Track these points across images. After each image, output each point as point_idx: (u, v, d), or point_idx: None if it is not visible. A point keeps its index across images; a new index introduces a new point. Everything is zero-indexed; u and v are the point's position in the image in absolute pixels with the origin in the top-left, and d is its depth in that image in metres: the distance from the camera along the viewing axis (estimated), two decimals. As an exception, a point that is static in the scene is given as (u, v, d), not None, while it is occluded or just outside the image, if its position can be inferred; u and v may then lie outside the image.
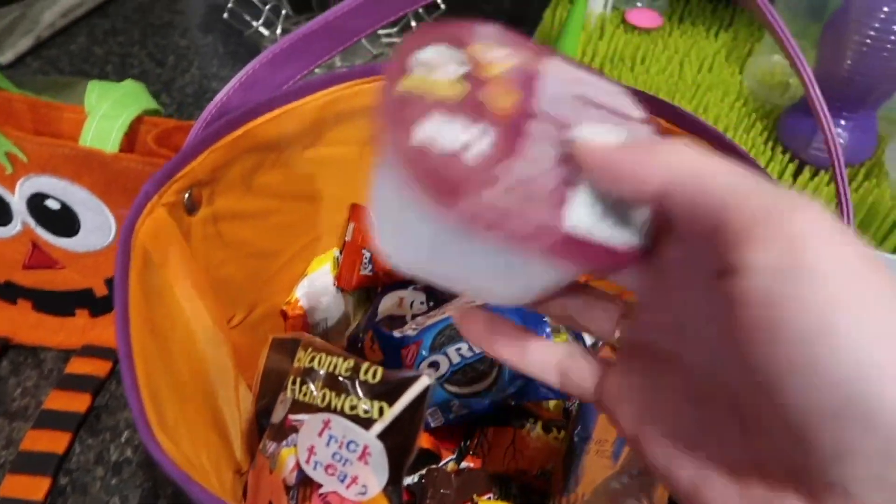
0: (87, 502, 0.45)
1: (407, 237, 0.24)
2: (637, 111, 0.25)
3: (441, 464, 0.41)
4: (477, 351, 0.41)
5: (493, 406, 0.41)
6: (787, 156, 0.65)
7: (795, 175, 0.64)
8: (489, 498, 0.38)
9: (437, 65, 0.24)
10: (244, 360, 0.44)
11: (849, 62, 0.58)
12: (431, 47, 0.24)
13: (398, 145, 0.22)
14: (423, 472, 0.39)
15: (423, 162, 0.22)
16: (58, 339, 0.52)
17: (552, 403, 0.44)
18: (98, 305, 0.52)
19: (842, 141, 0.61)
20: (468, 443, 0.41)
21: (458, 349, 0.41)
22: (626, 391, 0.24)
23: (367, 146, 0.46)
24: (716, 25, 0.80)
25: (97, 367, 0.50)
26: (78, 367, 0.50)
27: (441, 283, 0.25)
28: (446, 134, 0.22)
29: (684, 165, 0.20)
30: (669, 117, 0.41)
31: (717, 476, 0.21)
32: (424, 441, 0.41)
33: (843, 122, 0.61)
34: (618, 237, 0.23)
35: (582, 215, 0.23)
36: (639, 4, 0.80)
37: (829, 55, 0.60)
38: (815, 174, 0.63)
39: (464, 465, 0.41)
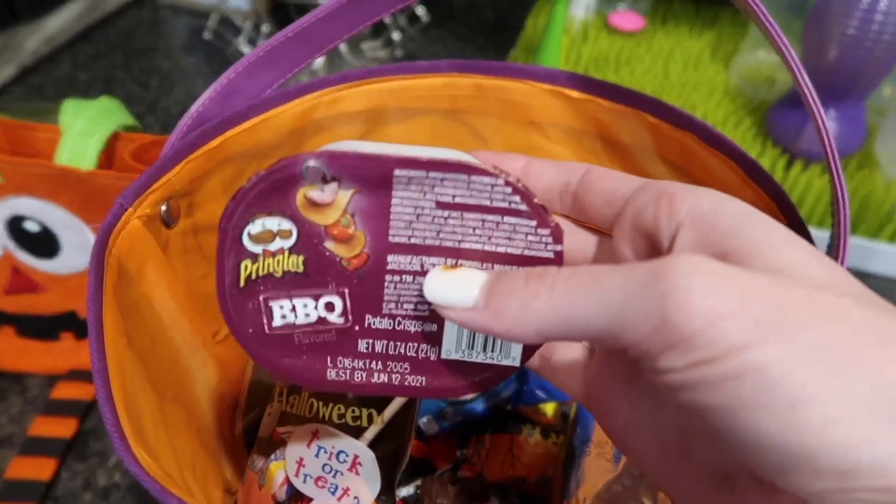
0: (75, 530, 0.44)
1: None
2: (510, 185, 0.22)
3: (437, 474, 0.39)
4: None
5: (488, 412, 0.40)
6: (778, 150, 0.64)
7: (787, 168, 0.63)
8: (487, 507, 0.37)
9: (267, 237, 0.23)
10: (230, 375, 0.43)
11: (833, 54, 0.58)
12: (258, 219, 0.23)
13: (251, 340, 0.24)
14: (419, 482, 0.37)
15: (279, 354, 0.24)
16: (44, 364, 0.51)
17: (549, 408, 0.43)
18: (83, 328, 0.50)
19: (832, 133, 0.61)
20: (465, 451, 0.40)
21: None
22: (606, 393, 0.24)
23: (350, 153, 0.45)
24: (699, 24, 0.80)
25: (84, 391, 0.49)
26: (64, 391, 0.49)
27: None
28: (300, 310, 0.23)
29: (550, 318, 0.19)
30: (654, 112, 0.40)
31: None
32: (419, 451, 0.40)
33: (829, 113, 0.61)
34: (499, 357, 0.24)
35: (456, 346, 0.23)
36: (621, 8, 0.80)
37: (813, 49, 0.60)
38: (806, 166, 0.63)
39: (461, 474, 0.40)
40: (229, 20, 0.84)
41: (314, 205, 0.23)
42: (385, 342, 0.24)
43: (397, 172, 0.22)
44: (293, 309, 0.23)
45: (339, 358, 0.24)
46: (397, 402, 0.31)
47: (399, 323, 0.24)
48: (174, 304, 0.36)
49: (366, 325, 0.24)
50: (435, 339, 0.24)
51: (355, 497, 0.31)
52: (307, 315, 0.23)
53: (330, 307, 0.23)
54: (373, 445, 0.31)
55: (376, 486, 0.31)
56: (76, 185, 0.42)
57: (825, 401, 0.16)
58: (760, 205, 0.35)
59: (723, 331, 0.16)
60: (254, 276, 0.23)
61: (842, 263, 0.30)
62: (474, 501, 0.37)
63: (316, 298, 0.23)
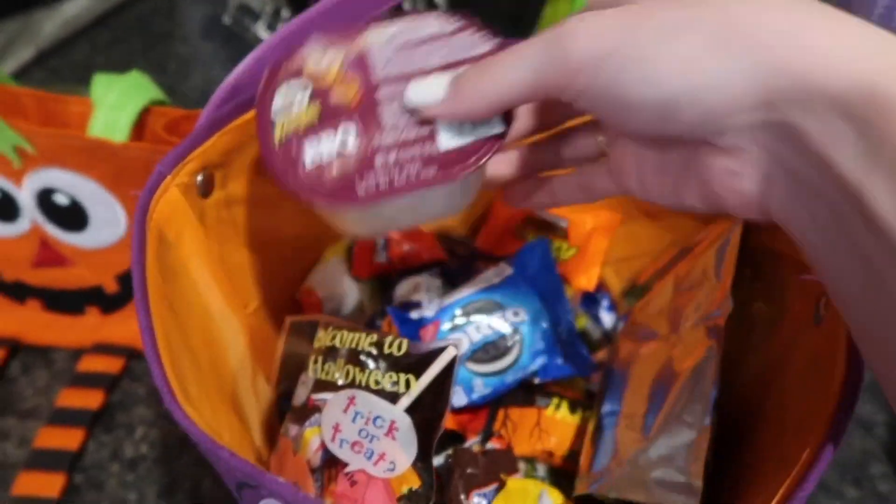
0: (103, 499, 0.44)
1: (357, 225, 0.33)
2: (456, 24, 0.31)
3: (467, 444, 0.40)
4: (496, 328, 0.40)
5: (516, 385, 0.40)
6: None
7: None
8: (518, 477, 0.37)
9: (289, 104, 0.31)
10: (260, 348, 0.44)
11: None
12: (278, 91, 0.31)
13: (293, 184, 0.30)
14: (450, 451, 0.38)
15: (316, 187, 0.30)
16: (69, 338, 0.51)
17: (577, 383, 0.43)
18: (109, 303, 0.51)
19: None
20: (493, 424, 0.40)
21: (478, 327, 0.40)
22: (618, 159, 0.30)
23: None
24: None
25: (110, 364, 0.50)
26: (90, 364, 0.49)
27: (400, 229, 0.34)
28: (323, 150, 0.30)
29: (494, 91, 0.27)
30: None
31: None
32: (449, 422, 0.40)
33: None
34: (484, 132, 0.30)
35: (449, 138, 0.30)
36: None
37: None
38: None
39: (490, 445, 0.40)
40: (247, 6, 0.84)
41: (317, 71, 0.31)
42: (395, 152, 0.30)
43: (368, 32, 0.32)
44: (319, 149, 0.30)
45: (364, 175, 0.30)
46: (435, 368, 0.31)
47: (401, 134, 0.30)
48: (209, 274, 0.37)
49: (375, 145, 0.30)
50: (432, 137, 0.30)
51: (391, 462, 0.31)
52: (329, 149, 0.30)
53: (345, 138, 0.30)
54: (410, 411, 0.31)
55: (413, 452, 0.31)
56: (108, 157, 0.42)
57: (666, 60, 0.22)
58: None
59: (594, 45, 0.24)
60: (285, 135, 0.31)
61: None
62: (504, 471, 0.37)
63: (333, 133, 0.30)
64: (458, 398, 0.39)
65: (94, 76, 0.45)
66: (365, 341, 0.33)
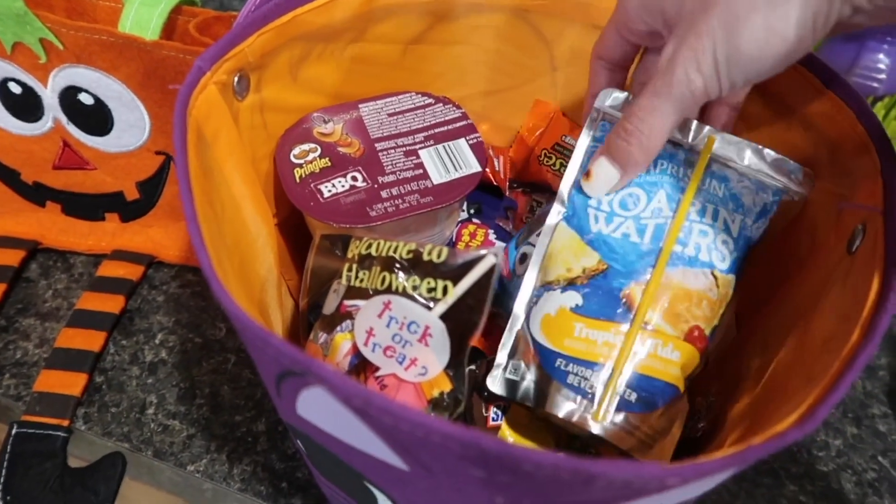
0: (124, 399, 0.45)
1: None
2: (419, 94, 0.45)
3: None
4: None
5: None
6: (825, 84, 0.64)
7: (832, 103, 0.63)
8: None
9: (304, 156, 0.40)
10: (285, 259, 0.44)
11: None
12: (293, 148, 0.41)
13: (314, 210, 0.38)
14: (475, 365, 0.38)
15: (334, 212, 0.38)
16: (87, 243, 0.51)
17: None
18: (129, 210, 0.51)
19: (883, 66, 0.60)
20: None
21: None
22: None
23: (410, 45, 0.45)
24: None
25: (129, 271, 0.50)
26: (110, 270, 0.50)
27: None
28: (337, 186, 0.39)
29: (661, 141, 0.33)
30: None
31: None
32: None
33: (886, 47, 0.60)
34: (466, 171, 0.40)
35: (439, 176, 0.40)
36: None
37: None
38: (853, 102, 0.62)
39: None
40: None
41: (324, 134, 0.42)
42: (397, 187, 0.40)
43: (360, 106, 0.44)
44: (333, 186, 0.39)
45: (373, 204, 0.39)
46: (473, 276, 0.31)
47: (399, 175, 0.40)
48: (242, 178, 0.36)
49: (380, 182, 0.40)
50: (425, 175, 0.40)
51: (423, 367, 0.32)
52: (343, 186, 0.39)
53: (355, 179, 0.40)
54: (445, 317, 0.31)
55: (445, 357, 0.32)
56: (138, 55, 0.41)
57: None
58: (838, 114, 0.35)
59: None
60: (303, 175, 0.40)
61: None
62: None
63: (344, 176, 0.40)
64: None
65: (123, -28, 0.43)
66: (403, 249, 0.33)
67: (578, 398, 0.34)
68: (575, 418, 0.33)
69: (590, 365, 0.34)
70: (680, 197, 0.36)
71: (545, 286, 0.36)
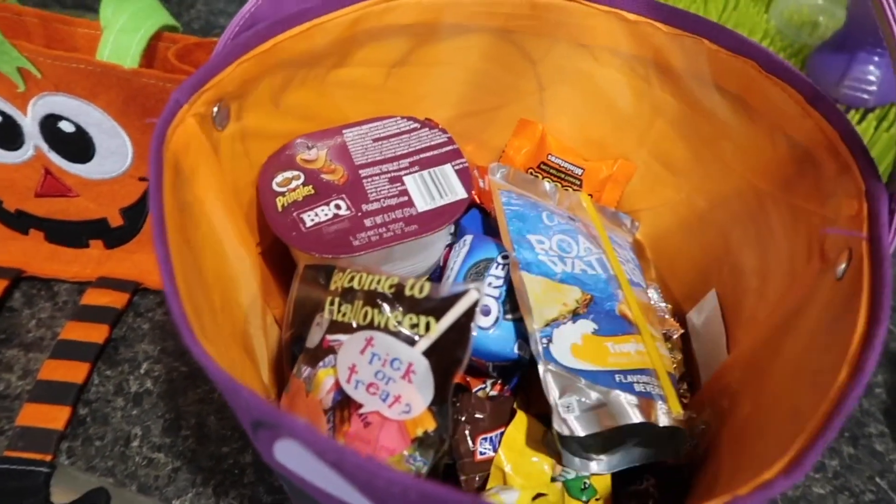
0: (108, 432, 0.44)
1: None
2: (404, 118, 0.44)
3: (475, 390, 0.40)
4: (503, 274, 0.40)
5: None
6: (816, 95, 0.63)
7: (824, 114, 0.62)
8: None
9: (287, 184, 0.39)
10: (270, 287, 0.43)
11: (885, -4, 0.56)
12: (276, 176, 0.40)
13: (295, 240, 0.37)
14: (454, 399, 0.38)
15: (316, 242, 0.37)
16: (72, 271, 0.50)
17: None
18: (113, 237, 0.50)
19: (874, 78, 0.60)
20: (494, 373, 0.41)
21: (490, 282, 0.40)
22: None
23: (394, 68, 0.44)
24: (741, -36, 0.77)
25: (114, 299, 0.49)
26: (94, 298, 0.49)
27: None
28: (320, 215, 0.38)
29: None
30: (714, 38, 0.39)
31: None
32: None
33: (877, 59, 0.60)
34: (451, 198, 0.40)
35: (424, 203, 0.39)
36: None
37: (864, -11, 0.58)
38: (846, 112, 0.62)
39: (492, 392, 0.40)
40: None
41: (307, 161, 0.41)
42: (381, 215, 0.39)
43: (345, 132, 0.43)
44: (316, 214, 0.38)
45: (357, 233, 0.38)
46: (456, 312, 0.30)
47: (383, 202, 0.39)
48: (223, 210, 0.36)
49: (364, 210, 0.39)
50: (410, 203, 0.40)
51: (407, 404, 0.31)
52: (326, 214, 0.38)
53: (338, 207, 0.39)
54: (428, 354, 0.31)
55: (429, 395, 0.31)
56: (117, 83, 0.41)
57: None
58: (822, 134, 0.35)
59: None
60: (286, 204, 0.39)
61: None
62: (510, 418, 0.37)
63: (327, 204, 0.39)
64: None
65: (101, -1, 0.43)
66: (385, 283, 0.33)
67: (650, 401, 0.36)
68: (653, 419, 0.35)
69: (645, 372, 0.37)
70: (595, 234, 0.43)
71: (550, 325, 0.37)
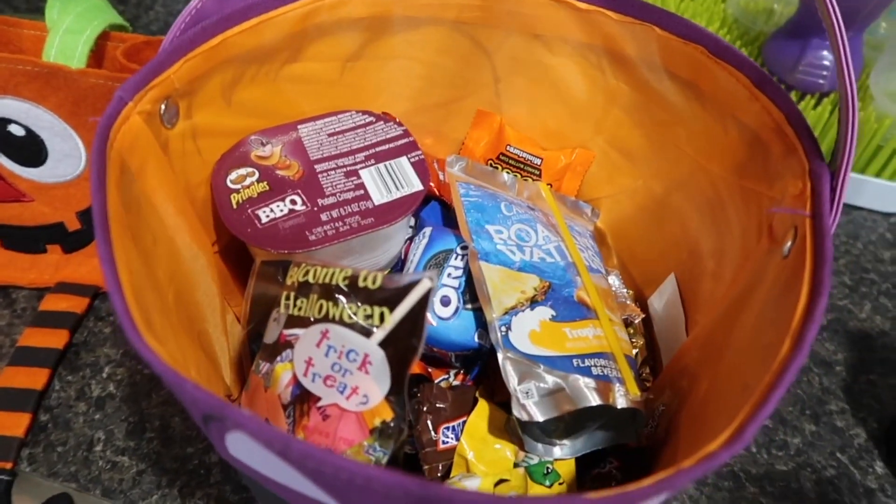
0: (71, 437, 0.43)
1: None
2: (360, 112, 0.44)
3: (437, 381, 0.40)
4: (462, 264, 0.40)
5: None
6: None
7: (781, 100, 0.63)
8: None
9: (241, 181, 0.39)
10: (229, 286, 0.43)
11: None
12: (230, 173, 0.39)
13: (251, 236, 0.37)
14: (416, 389, 0.38)
15: (271, 238, 0.37)
16: (29, 277, 0.50)
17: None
18: (70, 240, 0.49)
19: (828, 63, 0.61)
20: (456, 364, 0.41)
21: (449, 273, 0.40)
22: None
23: (349, 62, 0.44)
24: (697, -46, 0.78)
25: (73, 304, 0.48)
26: (53, 304, 0.48)
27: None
28: (275, 211, 0.38)
29: None
30: (664, 25, 0.39)
31: None
32: (415, 367, 0.40)
33: (828, 45, 0.61)
34: (408, 190, 0.40)
35: (380, 196, 0.39)
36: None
37: (815, -26, 0.59)
38: (801, 98, 0.63)
39: (454, 381, 0.40)
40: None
41: (262, 157, 0.40)
42: (337, 209, 0.39)
43: (299, 127, 0.43)
44: (272, 210, 0.38)
45: (313, 228, 0.38)
46: (409, 301, 0.30)
47: (339, 196, 0.39)
48: (174, 208, 0.36)
49: (320, 205, 0.39)
50: (366, 196, 0.40)
51: (364, 395, 0.31)
52: (281, 210, 0.38)
53: (293, 202, 0.39)
54: (383, 345, 0.31)
55: (386, 385, 0.31)
56: (65, 85, 0.40)
57: None
58: (769, 116, 0.35)
59: None
60: (240, 200, 0.38)
61: (843, 175, 0.30)
62: (472, 407, 0.37)
63: (283, 200, 0.39)
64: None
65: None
66: (339, 276, 0.32)
67: (608, 384, 0.36)
68: (611, 401, 0.36)
69: (603, 356, 0.37)
70: (555, 223, 0.44)
71: (508, 312, 0.37)
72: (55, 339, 0.46)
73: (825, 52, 0.61)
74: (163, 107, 0.34)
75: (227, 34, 0.37)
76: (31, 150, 0.44)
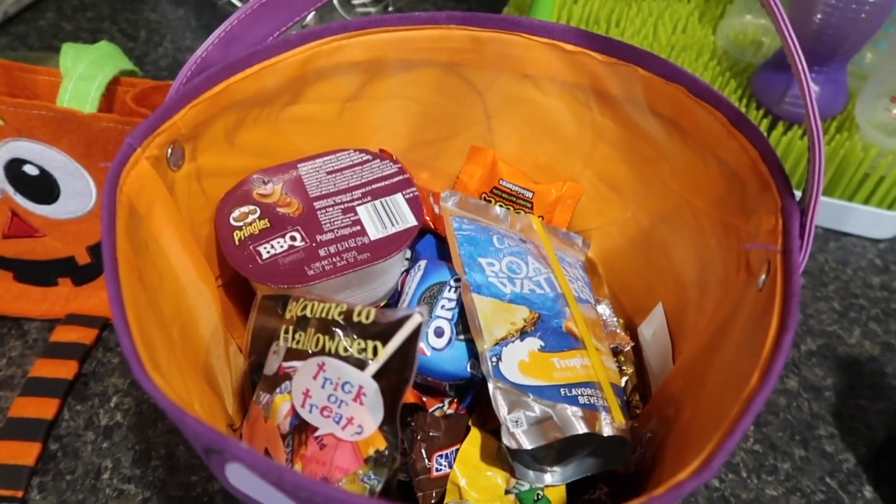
0: (80, 466, 0.45)
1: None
2: (356, 151, 0.46)
3: (431, 410, 0.41)
4: (456, 297, 0.42)
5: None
6: (761, 112, 0.66)
7: (769, 130, 0.65)
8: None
9: (243, 218, 0.41)
10: (233, 319, 0.45)
11: (819, 17, 0.59)
12: (233, 211, 0.41)
13: (252, 272, 0.39)
14: (409, 418, 0.39)
15: (272, 273, 0.38)
16: (41, 309, 0.52)
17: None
18: (81, 274, 0.51)
19: (813, 94, 0.63)
20: (451, 392, 0.42)
21: (443, 305, 0.42)
22: None
23: (347, 103, 0.46)
24: (688, -12, 0.80)
25: (83, 335, 0.50)
26: (63, 335, 0.50)
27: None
28: (276, 247, 0.40)
29: None
30: (646, 66, 0.41)
31: None
32: (409, 396, 0.42)
33: (814, 76, 0.63)
34: (403, 226, 0.41)
35: (376, 231, 0.41)
36: (612, -32, 0.81)
37: (800, 10, 0.61)
38: (788, 128, 0.65)
39: (448, 411, 0.41)
40: (218, -27, 0.83)
41: (263, 196, 0.42)
42: (335, 245, 0.40)
43: (299, 166, 0.45)
44: (272, 246, 0.40)
45: (311, 263, 0.39)
46: (401, 336, 0.32)
47: (337, 232, 0.41)
48: (180, 246, 0.37)
49: (318, 241, 0.40)
50: (362, 232, 0.41)
51: (359, 426, 0.33)
52: (282, 246, 0.40)
53: (293, 238, 0.40)
54: (377, 377, 0.32)
55: (379, 416, 0.33)
56: (77, 128, 0.42)
57: None
58: (745, 154, 0.37)
59: None
60: (243, 237, 0.40)
61: (812, 213, 0.32)
62: (465, 435, 0.39)
63: (283, 236, 0.40)
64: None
65: (63, 46, 0.45)
66: (335, 311, 0.34)
67: (594, 413, 0.37)
68: (598, 429, 0.37)
69: (589, 385, 0.39)
70: (545, 255, 0.45)
71: (499, 343, 0.38)
72: (65, 369, 0.48)
73: (812, 84, 0.63)
74: (169, 151, 0.37)
75: (230, 81, 0.39)
76: (45, 189, 0.46)
